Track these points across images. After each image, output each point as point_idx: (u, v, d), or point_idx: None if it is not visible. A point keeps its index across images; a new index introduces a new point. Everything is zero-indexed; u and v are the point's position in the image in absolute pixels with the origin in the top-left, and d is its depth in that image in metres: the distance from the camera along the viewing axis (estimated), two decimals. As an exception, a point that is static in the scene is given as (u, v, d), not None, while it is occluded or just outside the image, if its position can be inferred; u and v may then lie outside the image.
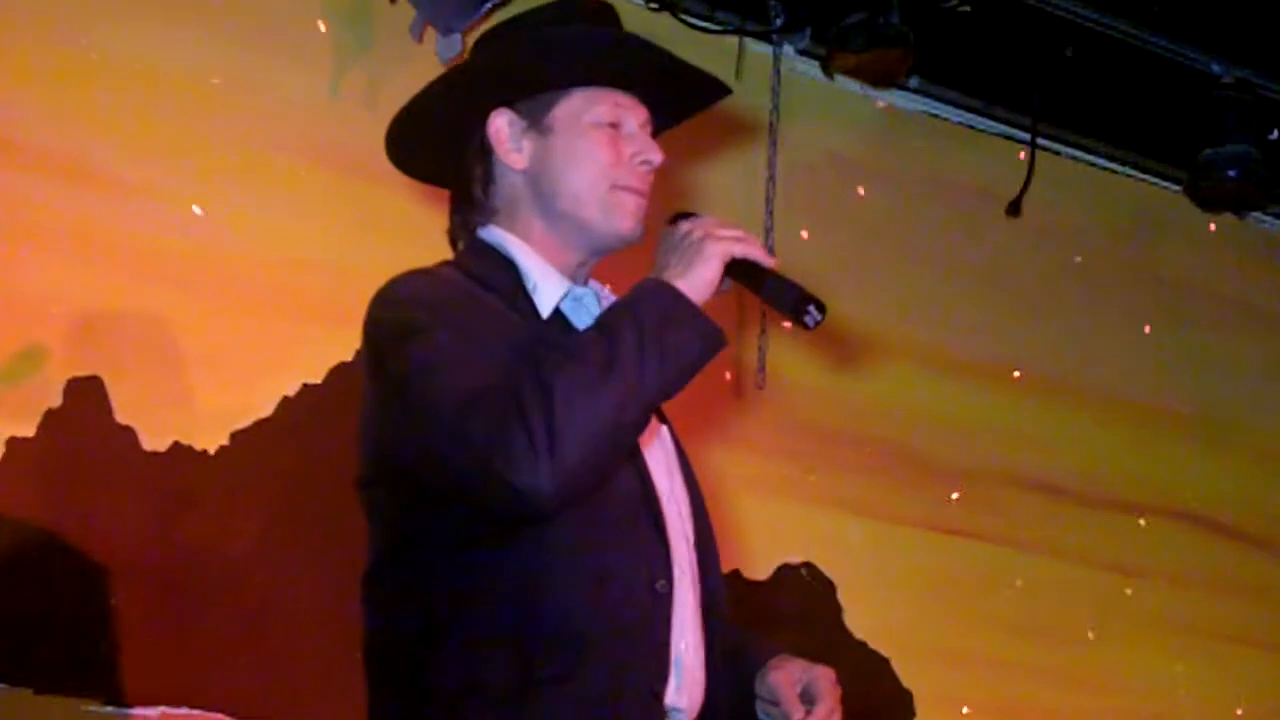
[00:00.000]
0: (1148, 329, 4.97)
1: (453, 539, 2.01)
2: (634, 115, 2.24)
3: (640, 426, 1.98)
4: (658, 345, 1.94)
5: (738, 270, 2.07)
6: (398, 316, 2.07)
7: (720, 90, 2.37)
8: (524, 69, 2.23)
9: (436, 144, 2.29)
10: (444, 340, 2.00)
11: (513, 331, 2.05)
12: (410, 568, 2.06)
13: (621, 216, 2.20)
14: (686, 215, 2.15)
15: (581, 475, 1.91)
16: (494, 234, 2.23)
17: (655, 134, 2.28)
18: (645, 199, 2.22)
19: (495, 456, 1.87)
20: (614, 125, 2.22)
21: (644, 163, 2.21)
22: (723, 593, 2.26)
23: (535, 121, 2.22)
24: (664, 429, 2.26)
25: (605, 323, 1.98)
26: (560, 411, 1.86)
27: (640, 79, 2.25)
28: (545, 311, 2.16)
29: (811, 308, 2.06)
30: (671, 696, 2.08)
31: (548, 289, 2.18)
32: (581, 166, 2.20)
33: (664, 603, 2.08)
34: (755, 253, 2.07)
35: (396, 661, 2.07)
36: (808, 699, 2.20)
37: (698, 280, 2.03)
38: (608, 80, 2.23)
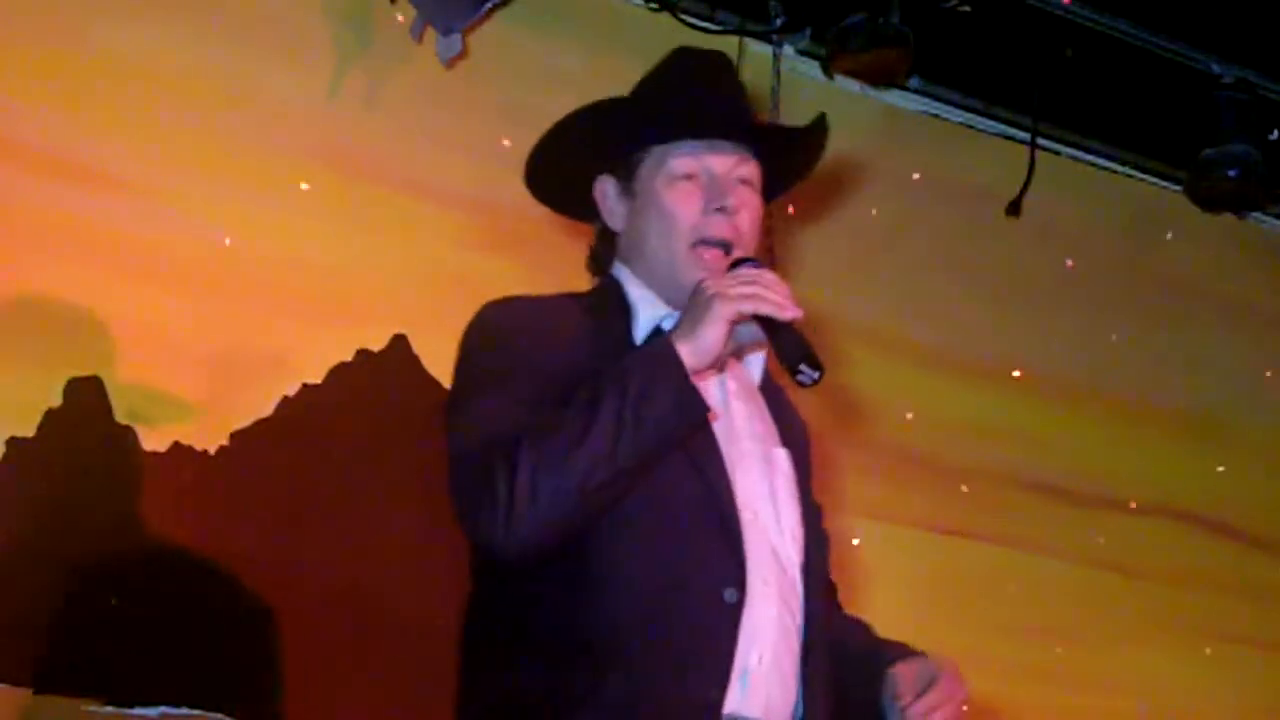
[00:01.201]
0: (1147, 329, 4.97)
1: None
2: (716, 162, 2.23)
3: (613, 488, 2.00)
4: (635, 417, 1.98)
5: (758, 319, 2.08)
6: (470, 342, 2.18)
7: (810, 133, 2.34)
8: (608, 135, 2.27)
9: (569, 197, 2.38)
10: (484, 376, 2.10)
11: (566, 373, 2.06)
12: (477, 579, 2.16)
13: (701, 275, 2.17)
14: (744, 262, 2.15)
15: (543, 536, 1.99)
16: (616, 268, 2.31)
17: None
18: (733, 245, 2.21)
19: (468, 512, 2.01)
20: (689, 177, 2.22)
21: (719, 210, 2.21)
22: (832, 603, 2.29)
23: (626, 185, 2.27)
24: (780, 451, 2.26)
25: (596, 387, 2.00)
26: (521, 480, 1.96)
27: (719, 130, 2.24)
28: (639, 336, 2.21)
29: (804, 367, 2.07)
30: (735, 705, 2.06)
31: (644, 315, 2.23)
32: (655, 227, 2.24)
33: (731, 612, 2.07)
34: (764, 308, 2.05)
35: (462, 669, 2.14)
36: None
37: (702, 343, 2.03)
38: (685, 134, 2.23)
